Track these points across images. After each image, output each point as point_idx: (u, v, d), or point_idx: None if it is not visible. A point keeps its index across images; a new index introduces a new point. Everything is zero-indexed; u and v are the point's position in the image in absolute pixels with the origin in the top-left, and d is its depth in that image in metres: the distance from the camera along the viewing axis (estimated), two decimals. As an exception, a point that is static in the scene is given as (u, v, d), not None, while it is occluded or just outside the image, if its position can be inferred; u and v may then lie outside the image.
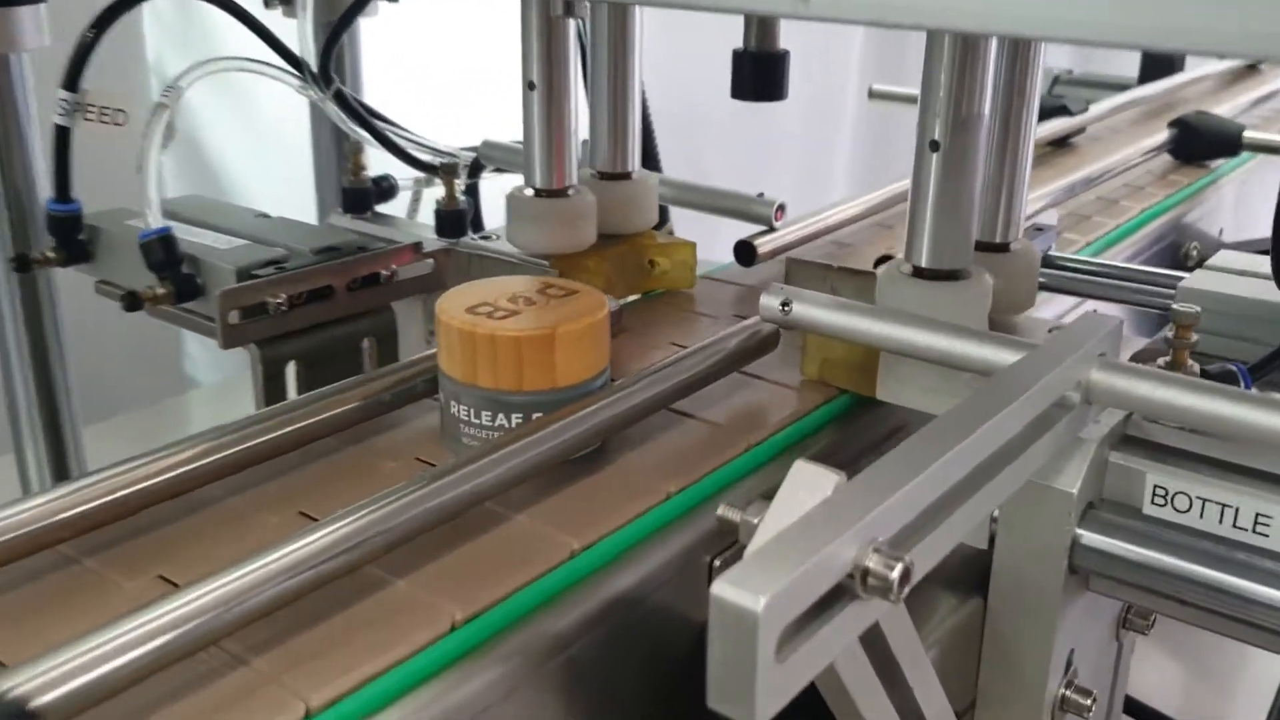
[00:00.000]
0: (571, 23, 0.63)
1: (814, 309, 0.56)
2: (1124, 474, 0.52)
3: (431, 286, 0.70)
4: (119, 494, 0.45)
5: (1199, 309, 0.53)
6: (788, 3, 0.37)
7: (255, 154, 1.34)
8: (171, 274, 0.65)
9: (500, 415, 0.51)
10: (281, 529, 0.45)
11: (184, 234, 0.70)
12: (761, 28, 0.62)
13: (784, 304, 0.56)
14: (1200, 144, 1.03)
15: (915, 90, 1.24)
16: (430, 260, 0.69)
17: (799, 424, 0.57)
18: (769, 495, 0.53)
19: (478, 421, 0.52)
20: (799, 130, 1.83)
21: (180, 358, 1.35)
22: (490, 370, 0.51)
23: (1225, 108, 1.19)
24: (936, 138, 0.53)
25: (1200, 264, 0.98)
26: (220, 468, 0.48)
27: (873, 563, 0.35)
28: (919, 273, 0.56)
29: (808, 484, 0.37)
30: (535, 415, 0.51)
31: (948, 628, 0.53)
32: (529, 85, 0.65)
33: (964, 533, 0.41)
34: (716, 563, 0.50)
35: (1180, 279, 0.62)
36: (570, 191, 0.68)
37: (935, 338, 0.52)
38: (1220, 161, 1.07)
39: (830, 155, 1.98)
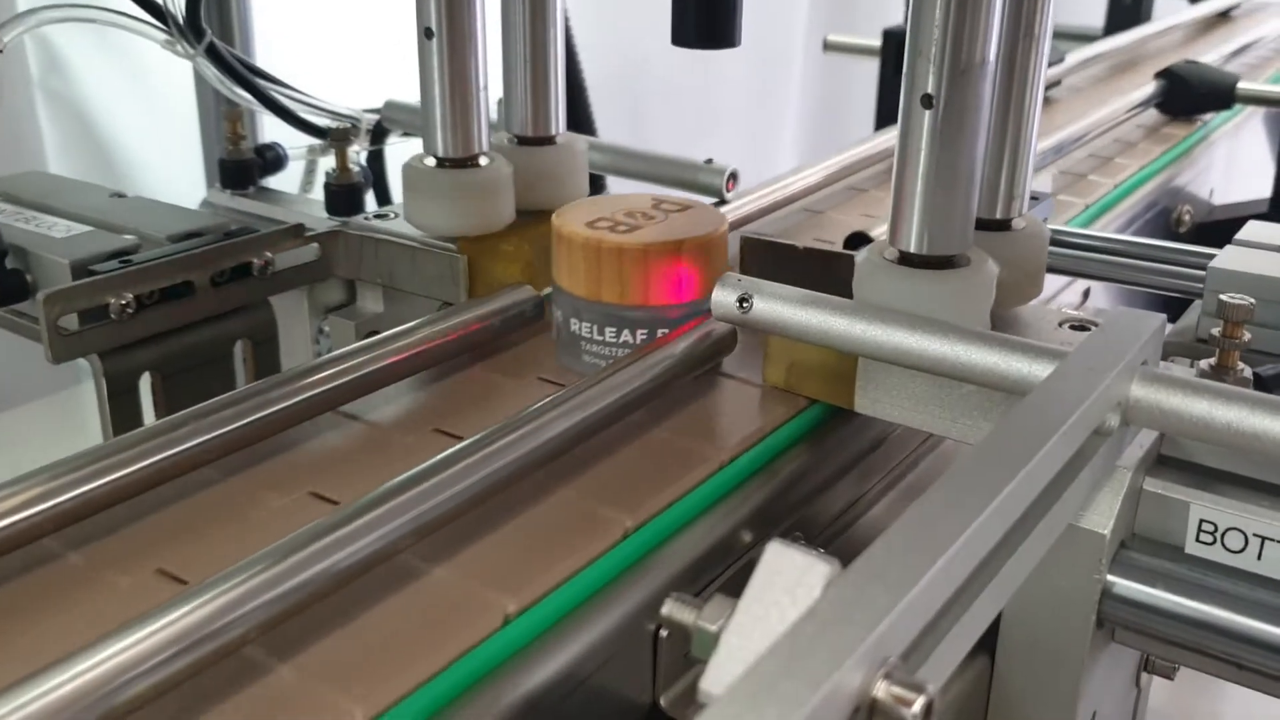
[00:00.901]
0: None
1: (779, 306, 0.45)
2: (1161, 504, 0.43)
3: (318, 276, 0.58)
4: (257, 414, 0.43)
5: (1253, 301, 0.43)
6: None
7: (149, 123, 1.20)
8: (-8, 270, 0.54)
9: (625, 331, 0.50)
10: (421, 449, 0.43)
11: (15, 220, 0.58)
12: (708, -42, 0.50)
13: (742, 300, 0.46)
14: (1192, 97, 0.94)
15: (874, 41, 1.14)
16: (315, 245, 0.57)
17: (762, 444, 0.46)
18: (718, 556, 0.43)
19: (600, 338, 0.50)
20: (744, 82, 1.71)
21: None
22: (616, 285, 0.49)
23: (1208, 59, 1.09)
24: (930, 91, 0.42)
25: (1193, 228, 0.90)
26: (337, 395, 0.46)
27: (882, 693, 0.25)
28: (907, 260, 0.45)
29: (787, 579, 0.26)
30: (660, 331, 0.50)
31: (950, 698, 0.43)
32: (426, 33, 0.53)
33: (988, 620, 0.31)
34: (663, 634, 0.40)
35: (1207, 257, 0.52)
36: (480, 160, 0.56)
37: (932, 342, 0.42)
38: (1208, 116, 0.97)
39: (778, 110, 1.86)
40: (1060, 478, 0.34)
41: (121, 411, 0.54)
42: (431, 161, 0.56)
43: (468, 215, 0.55)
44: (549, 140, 0.60)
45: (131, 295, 0.50)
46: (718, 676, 0.25)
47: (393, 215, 0.59)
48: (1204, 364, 0.45)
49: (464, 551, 0.39)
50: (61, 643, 0.30)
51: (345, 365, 0.46)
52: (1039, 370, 0.40)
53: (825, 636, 0.24)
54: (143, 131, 1.19)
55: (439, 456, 0.39)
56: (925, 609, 0.27)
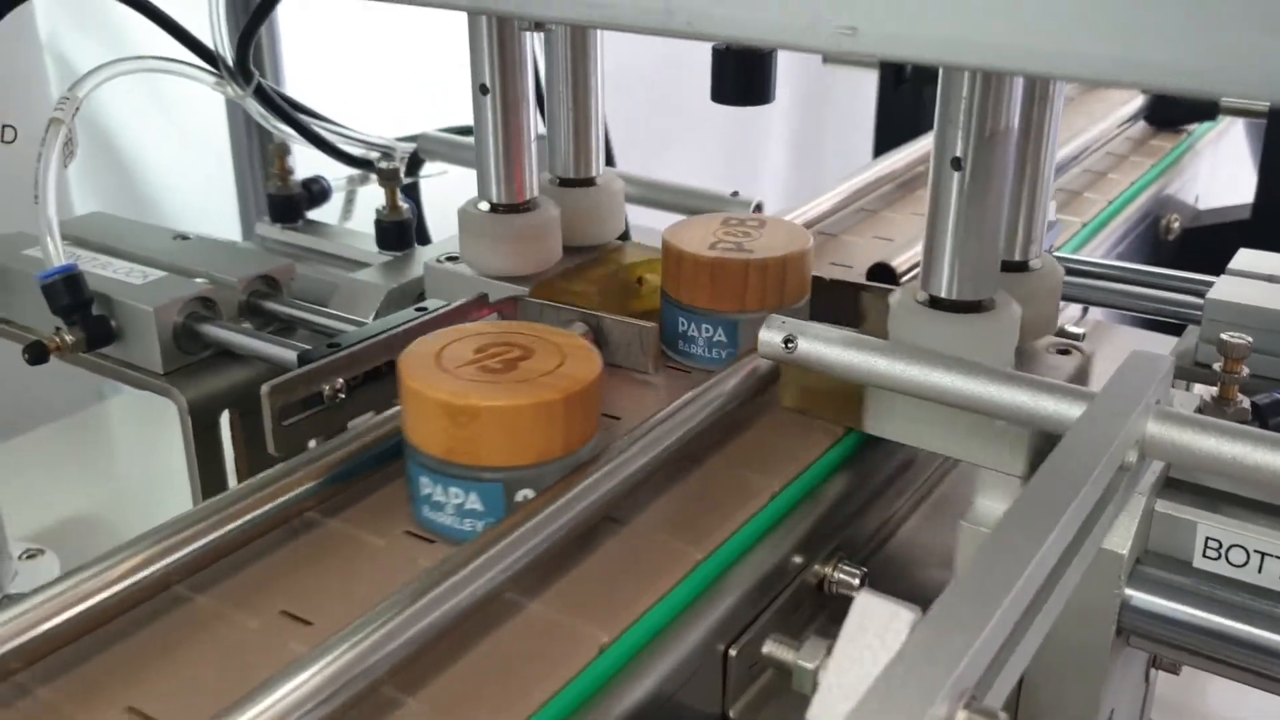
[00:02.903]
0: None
1: (822, 346, 0.49)
2: (1171, 524, 0.47)
3: None
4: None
5: (1249, 340, 0.48)
6: (831, 36, 0.31)
7: (173, 153, 1.22)
8: (81, 317, 0.57)
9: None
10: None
11: (91, 266, 0.61)
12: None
13: (787, 340, 0.50)
14: (1178, 109, 0.98)
15: (873, 53, 1.17)
16: (495, 315, 0.58)
17: (806, 474, 0.51)
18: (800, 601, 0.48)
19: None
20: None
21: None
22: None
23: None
24: (959, 155, 0.47)
25: (1181, 234, 0.95)
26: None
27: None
28: (937, 303, 0.50)
29: (877, 624, 0.31)
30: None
31: (984, 703, 0.48)
32: (481, 89, 0.57)
33: (1038, 644, 0.36)
34: (732, 652, 0.44)
35: (1202, 284, 0.57)
36: (531, 205, 0.60)
37: (968, 383, 0.46)
38: (1192, 126, 1.02)
39: (759, 124, 1.88)
40: (1093, 513, 0.39)
41: (204, 448, 0.58)
42: (485, 206, 0.60)
43: (523, 257, 0.59)
44: (589, 181, 0.64)
45: (342, 380, 0.51)
46: (824, 712, 0.30)
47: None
48: (1206, 395, 0.49)
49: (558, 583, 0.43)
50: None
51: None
52: (1064, 409, 0.44)
53: (916, 676, 0.29)
54: (166, 156, 1.21)
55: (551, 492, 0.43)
56: (994, 644, 0.31)
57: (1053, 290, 0.54)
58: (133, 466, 1.03)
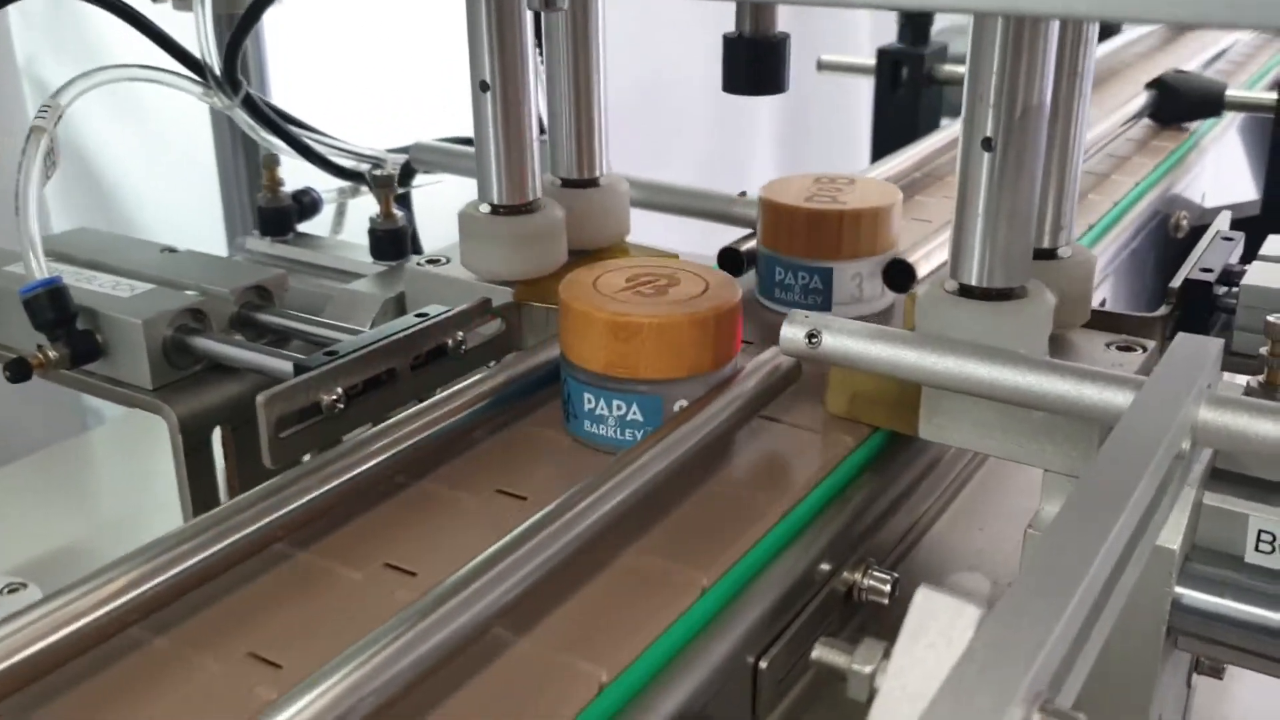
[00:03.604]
0: (528, 13, 0.54)
1: (848, 340, 0.47)
2: (1220, 517, 0.45)
3: (505, 349, 0.56)
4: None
5: (1301, 323, 0.46)
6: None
7: (149, 167, 1.20)
8: (65, 332, 0.54)
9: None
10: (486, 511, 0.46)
11: (76, 280, 0.58)
12: (756, 10, 0.52)
13: (810, 335, 0.48)
14: (1182, 105, 0.97)
15: (868, 60, 1.16)
16: (499, 320, 0.56)
17: (833, 475, 0.48)
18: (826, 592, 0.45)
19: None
20: (709, 101, 1.70)
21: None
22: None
23: (1190, 65, 1.13)
24: (989, 134, 0.44)
25: (1189, 232, 0.93)
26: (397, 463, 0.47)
27: (1039, 725, 0.27)
28: (967, 292, 0.47)
29: (941, 622, 0.28)
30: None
31: (1031, 712, 0.45)
32: (481, 85, 0.55)
33: (1102, 642, 0.33)
34: (763, 665, 0.42)
35: (1237, 273, 0.55)
36: (534, 206, 0.58)
37: (1005, 373, 0.44)
38: (1196, 123, 1.00)
39: (745, 127, 1.86)
40: (1152, 504, 0.37)
41: (195, 466, 0.55)
42: (486, 208, 0.57)
43: (526, 260, 0.57)
44: (593, 182, 0.62)
45: (341, 389, 0.48)
46: (887, 717, 0.27)
47: (444, 260, 0.60)
48: (1252, 382, 0.47)
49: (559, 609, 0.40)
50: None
51: (402, 433, 0.47)
52: (1110, 397, 0.42)
53: (988, 678, 0.26)
54: (145, 170, 1.19)
55: (538, 516, 0.40)
56: (1065, 642, 0.29)
57: (1085, 278, 0.52)
58: (116, 498, 1.00)
